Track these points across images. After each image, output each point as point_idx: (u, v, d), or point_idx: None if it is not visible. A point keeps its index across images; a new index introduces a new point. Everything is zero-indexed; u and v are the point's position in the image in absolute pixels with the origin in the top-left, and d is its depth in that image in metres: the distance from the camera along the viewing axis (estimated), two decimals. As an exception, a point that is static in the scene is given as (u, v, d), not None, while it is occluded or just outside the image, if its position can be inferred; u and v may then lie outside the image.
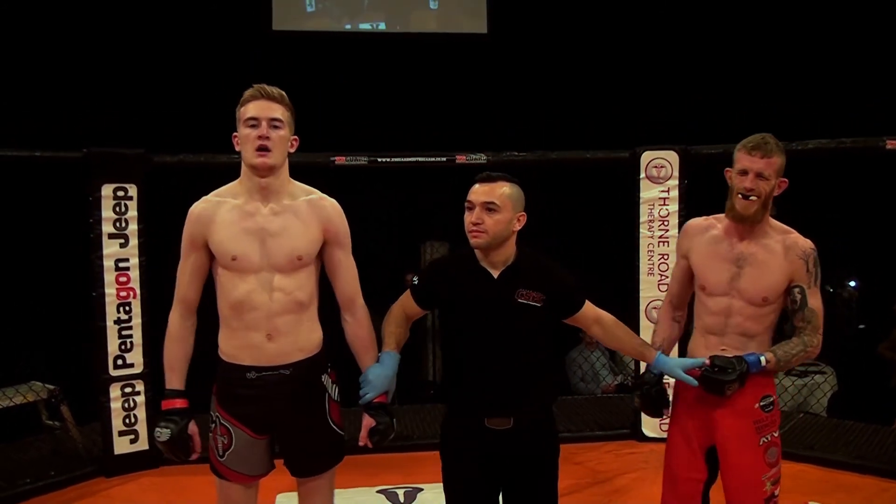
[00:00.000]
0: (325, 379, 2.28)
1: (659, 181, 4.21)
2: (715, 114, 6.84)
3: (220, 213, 2.19)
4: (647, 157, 4.25)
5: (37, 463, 4.05)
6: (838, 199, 7.32)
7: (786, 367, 2.33)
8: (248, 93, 2.18)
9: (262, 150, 2.13)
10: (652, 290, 4.23)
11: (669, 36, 7.81)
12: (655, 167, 4.24)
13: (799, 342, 2.31)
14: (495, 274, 2.24)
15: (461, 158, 4.29)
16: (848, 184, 7.08)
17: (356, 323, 2.33)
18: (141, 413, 4.00)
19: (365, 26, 8.11)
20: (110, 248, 3.89)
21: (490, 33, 8.02)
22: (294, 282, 2.18)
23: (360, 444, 2.28)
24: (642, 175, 4.25)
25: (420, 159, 4.38)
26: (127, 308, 3.93)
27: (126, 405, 3.97)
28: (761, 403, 2.33)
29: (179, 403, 2.22)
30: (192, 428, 2.22)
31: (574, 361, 5.77)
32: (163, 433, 2.18)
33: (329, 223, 2.25)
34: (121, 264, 3.91)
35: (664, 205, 4.22)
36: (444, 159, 4.35)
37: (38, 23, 6.93)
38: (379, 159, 4.28)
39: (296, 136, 2.24)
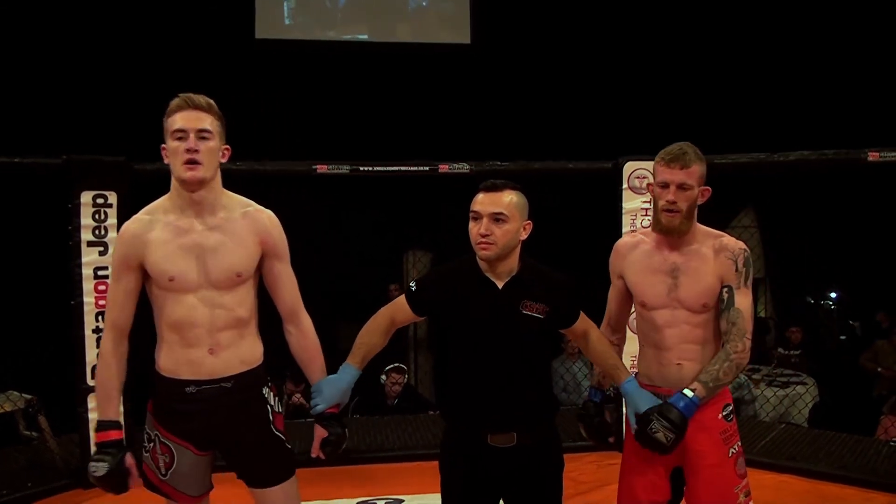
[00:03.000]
0: (266, 391, 2.25)
1: (641, 192, 4.23)
2: (698, 124, 6.91)
3: (153, 231, 2.13)
4: (629, 167, 4.28)
5: (13, 474, 4.01)
6: (821, 210, 7.40)
7: (719, 387, 2.24)
8: (173, 103, 2.11)
9: (191, 163, 2.07)
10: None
11: (653, 45, 7.89)
12: (638, 178, 4.26)
13: (721, 354, 2.25)
14: (500, 284, 2.21)
15: (444, 168, 4.31)
16: (831, 195, 7.17)
17: (300, 334, 2.30)
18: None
19: (347, 36, 8.14)
20: (89, 256, 3.86)
21: (473, 43, 8.08)
22: (234, 298, 2.15)
23: (313, 455, 2.27)
24: (625, 185, 4.27)
25: (403, 168, 4.38)
26: (105, 317, 3.91)
27: (104, 416, 3.94)
28: (723, 413, 2.32)
29: (115, 435, 2.14)
30: (129, 461, 2.14)
31: (556, 372, 5.79)
32: (98, 468, 2.10)
33: (266, 235, 2.21)
34: (100, 272, 3.87)
35: (647, 215, 4.24)
36: (427, 168, 4.36)
37: (21, 28, 6.90)
38: (361, 168, 4.28)
39: (227, 146, 2.18)
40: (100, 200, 3.88)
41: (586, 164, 4.49)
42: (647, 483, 2.34)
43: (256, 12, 7.82)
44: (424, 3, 8.23)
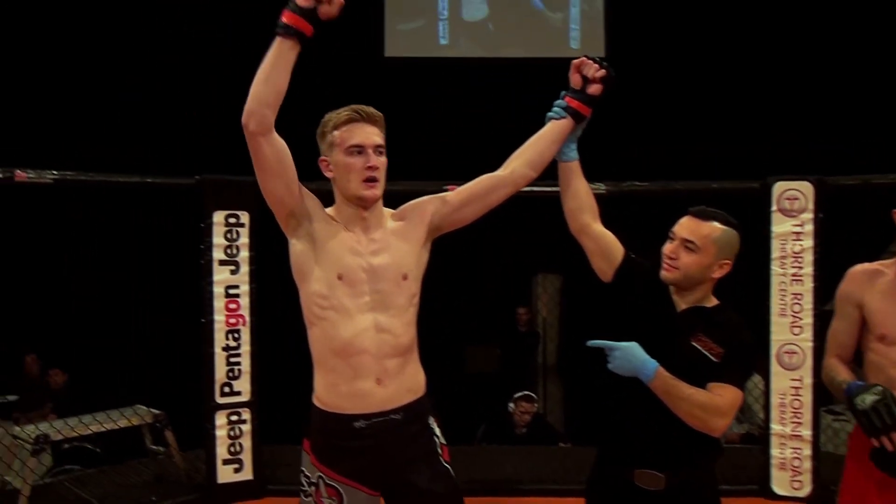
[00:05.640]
0: (432, 422, 2.22)
1: (792, 214, 4.07)
2: (853, 142, 6.59)
3: None
4: (779, 188, 4.12)
5: (139, 487, 4.19)
6: None
7: None
8: (344, 114, 2.11)
9: (372, 180, 2.09)
10: (784, 333, 4.07)
11: (802, 58, 7.59)
12: (788, 199, 4.10)
13: None
14: (680, 308, 2.17)
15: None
16: None
17: (517, 160, 2.32)
18: (246, 442, 4.09)
19: (471, 54, 8.26)
20: (221, 275, 4.01)
21: (608, 56, 8.00)
22: (400, 321, 2.12)
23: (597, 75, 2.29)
24: (774, 208, 4.11)
25: (535, 189, 4.36)
26: (236, 335, 4.05)
27: (232, 433, 4.07)
28: None
29: None
30: None
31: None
32: None
33: (420, 212, 2.23)
34: (231, 291, 4.02)
35: (798, 240, 4.08)
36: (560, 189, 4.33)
37: (158, 52, 7.34)
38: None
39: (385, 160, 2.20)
40: (232, 220, 4.03)
41: (732, 184, 4.34)
42: None
43: (386, 30, 8.04)
44: (557, 15, 8.24)
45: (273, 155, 2.03)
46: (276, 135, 2.02)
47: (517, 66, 7.91)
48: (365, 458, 2.09)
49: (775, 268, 4.10)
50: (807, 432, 4.02)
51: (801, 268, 4.07)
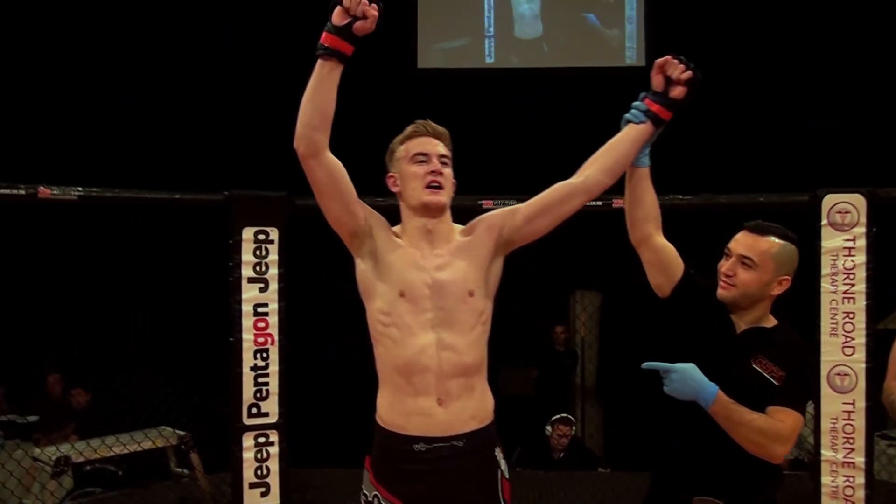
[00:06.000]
0: (498, 453, 2.21)
1: (843, 228, 4.03)
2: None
3: None
4: (829, 200, 4.09)
5: (162, 511, 4.24)
6: None
7: None
8: (410, 128, 2.21)
9: (435, 186, 2.14)
10: (835, 354, 4.03)
11: (854, 64, 7.52)
12: (839, 213, 4.07)
13: None
14: (739, 328, 2.17)
15: (619, 202, 4.22)
16: None
17: (599, 160, 2.29)
18: (273, 465, 4.09)
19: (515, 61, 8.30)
20: (249, 293, 4.04)
21: (648, 66, 8.00)
22: (465, 340, 2.13)
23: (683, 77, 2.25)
24: (824, 221, 4.08)
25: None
26: (264, 355, 4.07)
27: (259, 456, 4.07)
28: None
29: None
30: None
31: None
32: None
33: (488, 226, 2.24)
34: (259, 309, 4.05)
35: (849, 255, 4.03)
36: (601, 203, 4.32)
37: (181, 65, 7.46)
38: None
39: (454, 181, 2.25)
40: (261, 236, 4.06)
41: (779, 197, 4.31)
42: None
43: (419, 42, 8.11)
44: (598, 25, 8.27)
45: (327, 177, 2.10)
46: (328, 156, 2.09)
47: (562, 78, 7.93)
48: (423, 483, 2.10)
49: (825, 285, 4.06)
50: (860, 459, 3.96)
51: (852, 285, 4.03)
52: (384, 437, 2.16)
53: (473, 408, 2.15)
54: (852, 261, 4.04)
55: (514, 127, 7.76)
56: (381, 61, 7.21)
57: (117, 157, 6.81)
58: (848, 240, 4.03)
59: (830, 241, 4.08)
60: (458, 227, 2.27)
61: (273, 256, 4.08)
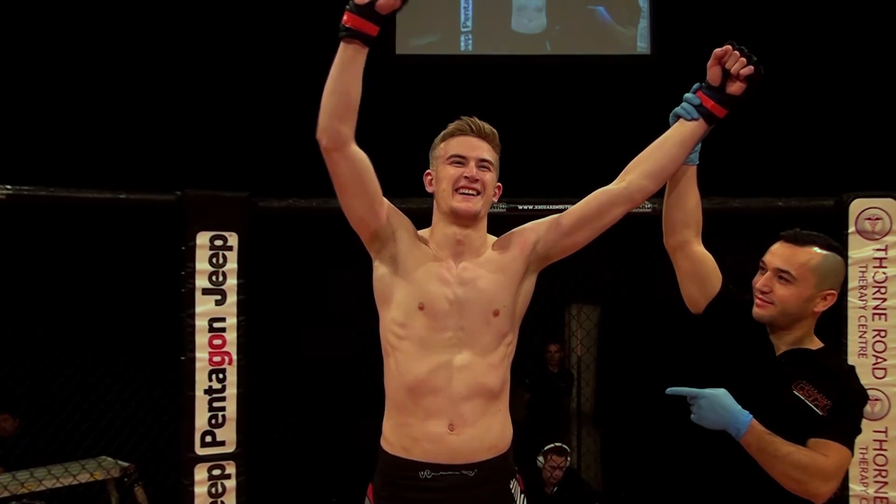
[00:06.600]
0: (514, 486, 2.22)
1: (873, 237, 4.05)
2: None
3: None
4: (857, 206, 4.11)
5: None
6: None
7: None
8: (454, 125, 2.22)
9: (468, 192, 2.15)
10: (865, 377, 4.01)
11: (882, 59, 7.57)
12: (869, 219, 4.08)
13: None
14: (778, 350, 2.17)
15: (620, 206, 4.24)
16: None
17: (644, 162, 2.29)
18: (230, 500, 4.06)
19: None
20: (204, 306, 4.01)
21: (654, 54, 8.02)
22: (484, 363, 2.14)
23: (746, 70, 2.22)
24: (851, 229, 4.10)
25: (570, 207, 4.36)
26: (220, 376, 4.04)
27: (213, 490, 4.04)
28: None
29: None
30: None
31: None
32: None
33: (521, 240, 2.25)
34: (215, 324, 4.02)
35: (880, 267, 4.05)
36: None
37: (134, 51, 7.39)
38: (519, 206, 4.29)
39: (499, 184, 2.25)
40: (218, 242, 4.03)
41: (800, 202, 4.33)
42: None
43: (398, 27, 8.10)
44: (600, 10, 8.30)
45: (350, 172, 2.10)
46: (354, 149, 2.09)
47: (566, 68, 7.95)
48: None
49: (853, 300, 4.07)
50: (893, 494, 3.97)
51: (884, 299, 4.04)
52: (387, 462, 2.17)
53: (489, 436, 2.16)
54: (884, 273, 4.05)
55: (525, 122, 7.76)
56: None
57: (55, 152, 6.74)
58: (878, 249, 4.05)
59: (858, 250, 4.09)
60: (492, 238, 2.28)
61: (231, 265, 4.05)
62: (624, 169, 2.31)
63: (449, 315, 2.14)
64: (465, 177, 2.14)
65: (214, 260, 4.03)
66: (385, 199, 2.19)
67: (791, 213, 4.40)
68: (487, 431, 2.15)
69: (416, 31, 8.21)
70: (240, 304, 4.07)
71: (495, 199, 2.25)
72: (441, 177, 2.18)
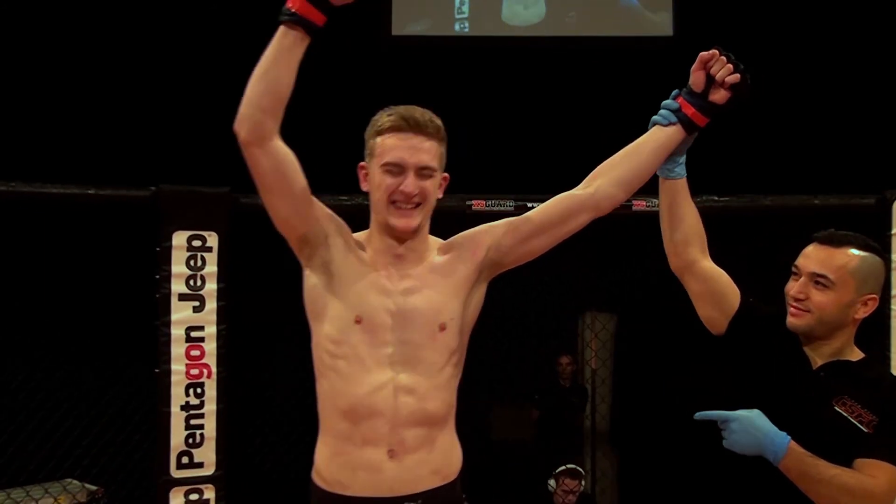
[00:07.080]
0: None
1: (919, 238, 4.05)
2: None
3: None
4: (901, 204, 4.11)
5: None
6: None
7: None
8: (389, 119, 2.12)
9: (405, 209, 2.10)
10: (908, 391, 4.03)
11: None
12: (913, 218, 4.08)
13: None
14: (815, 363, 2.16)
15: (639, 205, 4.22)
16: None
17: (608, 171, 2.27)
18: (209, 527, 4.08)
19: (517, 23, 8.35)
20: (181, 313, 4.00)
21: (676, 35, 8.02)
22: (429, 384, 2.12)
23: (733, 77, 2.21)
24: (894, 230, 4.09)
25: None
26: (199, 390, 4.02)
27: (190, 516, 4.06)
28: None
29: None
30: None
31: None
32: None
33: (475, 246, 2.23)
34: (193, 334, 4.01)
35: (927, 271, 4.05)
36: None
37: (106, 39, 7.39)
38: (528, 204, 4.27)
39: (446, 174, 2.20)
40: (196, 243, 4.02)
41: (838, 200, 4.32)
42: None
43: (394, 8, 8.13)
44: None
45: (273, 169, 2.04)
46: (277, 144, 2.03)
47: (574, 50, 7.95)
48: None
49: (895, 306, 4.06)
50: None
51: (930, 307, 4.04)
52: (321, 498, 2.13)
53: (435, 461, 2.14)
54: (933, 278, 4.04)
55: (512, 110, 7.75)
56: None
57: (19, 144, 6.73)
58: (925, 251, 4.04)
59: (903, 253, 4.09)
60: (437, 242, 2.25)
61: (211, 268, 4.04)
62: (590, 173, 2.30)
63: (390, 329, 2.10)
64: (403, 191, 2.07)
65: (192, 262, 4.01)
66: (315, 199, 2.13)
67: (828, 211, 4.38)
68: (434, 457, 2.13)
69: (411, 17, 8.26)
70: (220, 311, 4.06)
71: (440, 195, 2.18)
72: (375, 184, 2.11)
